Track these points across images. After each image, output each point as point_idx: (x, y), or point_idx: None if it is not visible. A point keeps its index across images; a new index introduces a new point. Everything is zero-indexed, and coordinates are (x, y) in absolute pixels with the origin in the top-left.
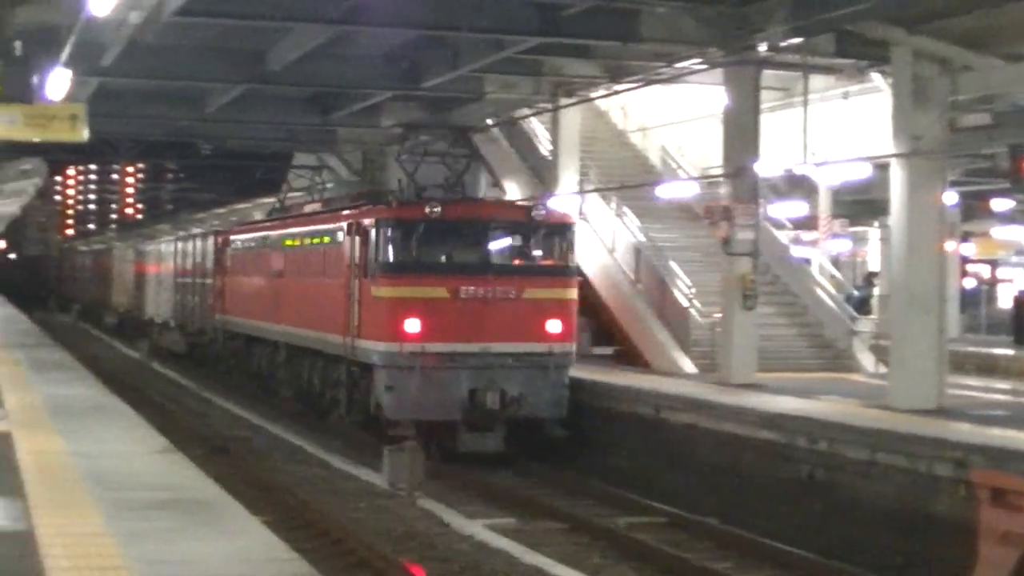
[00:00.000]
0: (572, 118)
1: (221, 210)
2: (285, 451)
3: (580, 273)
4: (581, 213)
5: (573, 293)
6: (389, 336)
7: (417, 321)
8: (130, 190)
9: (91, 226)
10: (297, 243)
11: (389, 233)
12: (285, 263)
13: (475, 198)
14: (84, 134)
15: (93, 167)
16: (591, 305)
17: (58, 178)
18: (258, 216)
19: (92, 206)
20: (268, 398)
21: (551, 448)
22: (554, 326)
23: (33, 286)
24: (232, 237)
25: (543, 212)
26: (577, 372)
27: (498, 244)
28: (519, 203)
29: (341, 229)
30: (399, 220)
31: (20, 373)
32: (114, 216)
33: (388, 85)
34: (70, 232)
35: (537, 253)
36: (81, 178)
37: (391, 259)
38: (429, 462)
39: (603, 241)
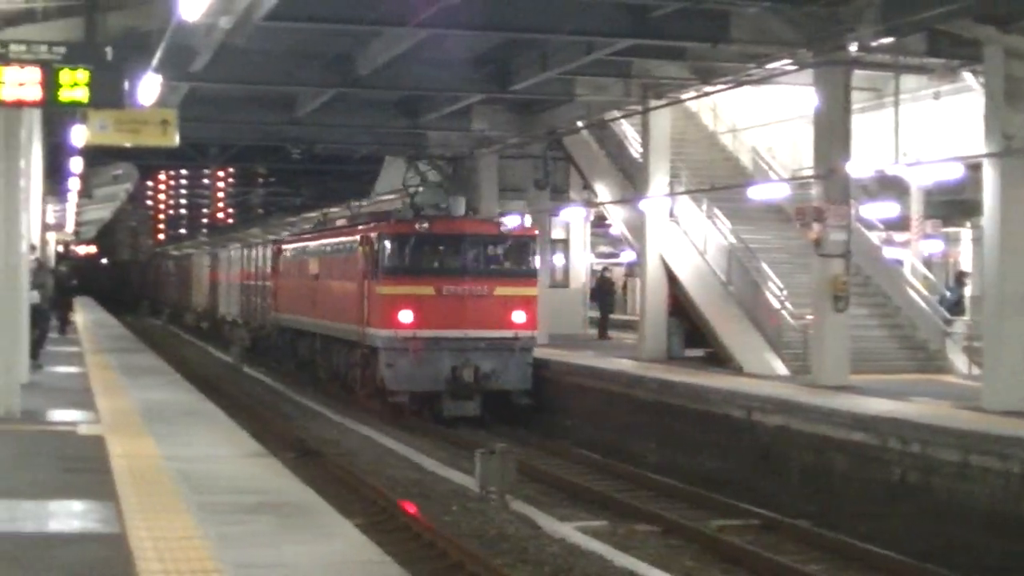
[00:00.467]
0: (662, 120)
1: (311, 214)
2: (376, 453)
3: (536, 275)
4: (672, 215)
5: (534, 290)
6: (388, 324)
7: (410, 312)
8: (221, 194)
9: (182, 230)
10: (328, 252)
11: (388, 244)
12: (319, 268)
13: (456, 216)
14: (175, 139)
15: (184, 171)
16: (682, 307)
17: (149, 183)
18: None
19: (183, 210)
20: (317, 383)
21: (519, 415)
22: (519, 316)
23: (124, 291)
24: (283, 246)
25: (509, 227)
26: (667, 374)
27: (474, 252)
28: (490, 219)
29: (356, 241)
30: (395, 234)
31: (112, 377)
32: (205, 220)
33: (477, 88)
34: (162, 237)
35: (505, 259)
36: (172, 183)
37: (389, 264)
38: (419, 421)
39: (694, 244)
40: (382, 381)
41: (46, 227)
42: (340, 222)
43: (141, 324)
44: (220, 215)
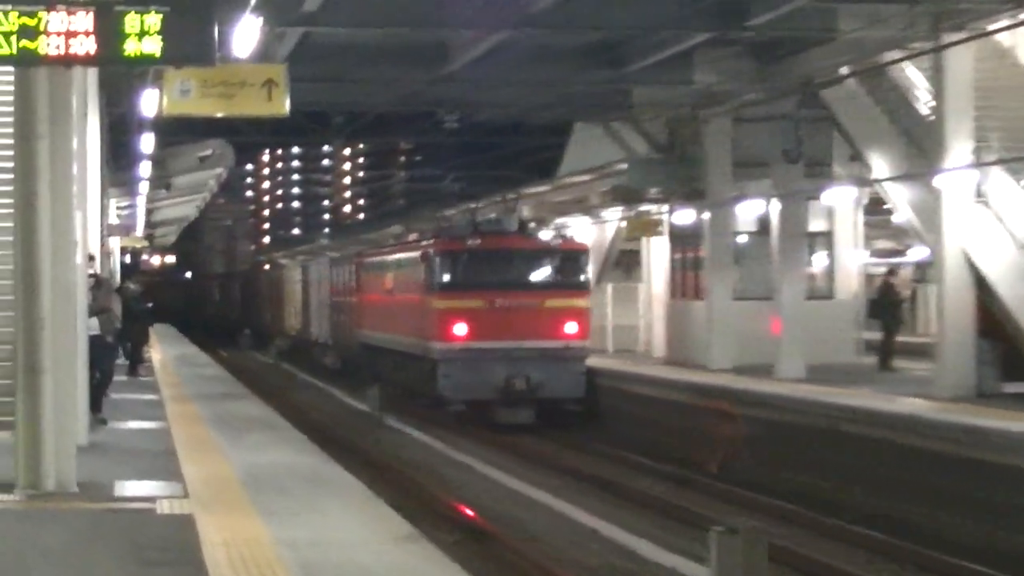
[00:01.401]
0: (962, 62)
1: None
2: (573, 534)
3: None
4: (979, 195)
5: (585, 302)
6: (444, 337)
7: (464, 325)
8: (348, 180)
9: (295, 231)
10: (397, 267)
11: (441, 260)
12: (393, 283)
13: (507, 231)
14: (284, 106)
15: (297, 151)
16: (997, 324)
17: (249, 167)
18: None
19: (296, 203)
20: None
21: (572, 421)
22: (570, 327)
23: (216, 314)
24: (364, 260)
25: (559, 241)
26: (979, 418)
27: (524, 266)
28: (539, 235)
29: (417, 257)
30: (448, 250)
31: (204, 434)
32: (326, 217)
33: (700, 25)
34: (267, 240)
35: (555, 272)
36: (281, 166)
37: (443, 279)
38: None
39: (1013, 234)
40: (440, 390)
41: (109, 231)
42: (412, 236)
43: (242, 360)
44: (347, 208)
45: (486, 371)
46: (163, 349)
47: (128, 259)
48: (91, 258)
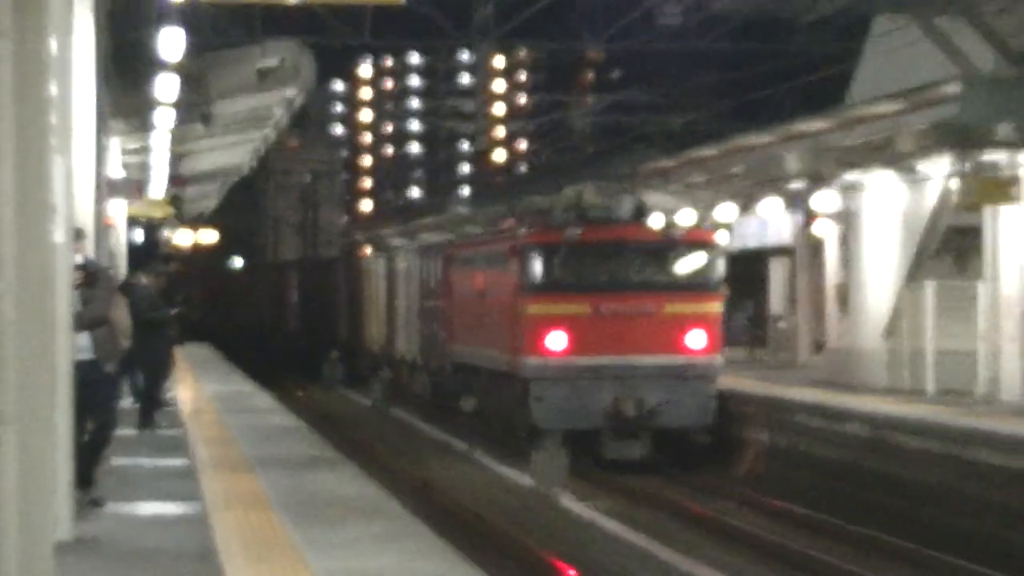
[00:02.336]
0: None
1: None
2: None
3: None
4: None
5: (715, 307)
6: (536, 350)
7: (563, 335)
8: (501, 109)
9: (415, 191)
10: (486, 263)
11: (532, 255)
12: (484, 283)
13: (617, 220)
14: None
15: (417, 61)
16: None
17: (340, 86)
18: None
19: (416, 146)
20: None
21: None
22: (695, 339)
23: (285, 327)
24: (455, 252)
25: (680, 232)
26: None
27: (637, 263)
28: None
29: (506, 251)
30: (541, 243)
31: (266, 524)
32: (467, 168)
33: None
34: (370, 207)
35: (677, 271)
36: (391, 86)
37: (535, 279)
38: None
39: None
40: (531, 417)
41: (109, 189)
42: (508, 223)
43: (330, 402)
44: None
45: (589, 393)
46: (198, 384)
47: (141, 236)
48: (79, 235)
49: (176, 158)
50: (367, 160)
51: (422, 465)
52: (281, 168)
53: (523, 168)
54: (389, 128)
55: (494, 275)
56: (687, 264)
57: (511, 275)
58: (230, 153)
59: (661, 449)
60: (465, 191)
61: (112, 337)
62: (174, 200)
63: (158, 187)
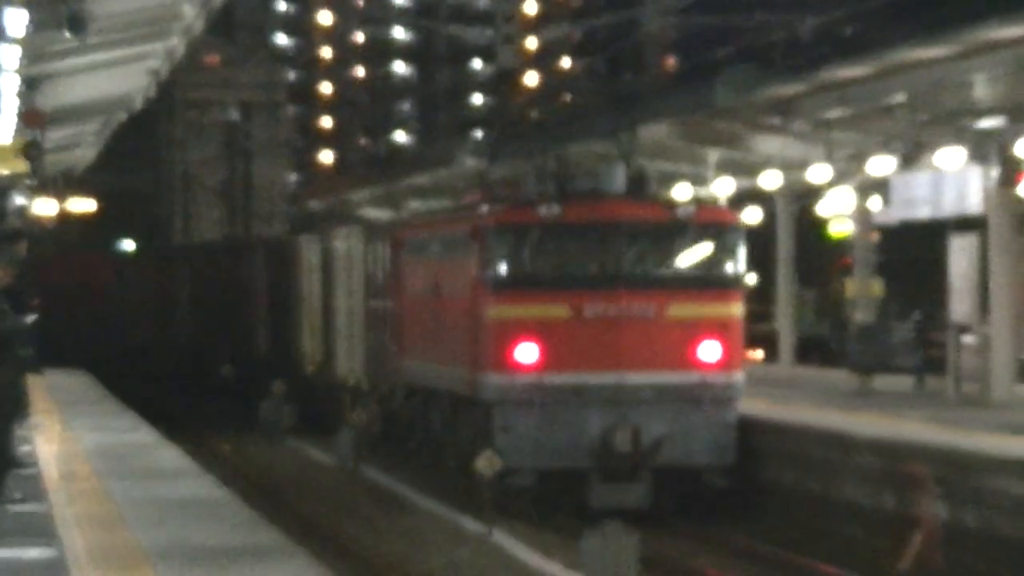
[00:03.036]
0: None
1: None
2: None
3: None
4: None
5: (735, 309)
6: (501, 366)
7: (534, 346)
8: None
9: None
10: (441, 249)
11: (497, 241)
12: (436, 278)
13: (607, 194)
14: None
15: None
16: None
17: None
18: None
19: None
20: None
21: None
22: (709, 351)
23: (201, 343)
24: (406, 235)
25: (692, 211)
26: None
27: (634, 251)
28: (660, 200)
29: (466, 235)
30: (508, 224)
31: None
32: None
33: None
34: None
35: (685, 261)
36: None
37: (500, 272)
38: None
39: None
40: (497, 453)
41: None
42: (472, 197)
43: (275, 460)
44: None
45: (571, 422)
46: (68, 432)
47: None
48: None
49: (31, 84)
50: (327, 87)
51: (416, 554)
52: (194, 99)
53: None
54: (361, 37)
55: (451, 267)
56: (699, 253)
57: (470, 267)
58: (114, 76)
59: (666, 495)
60: (477, 133)
61: None
62: (28, 149)
63: (3, 129)
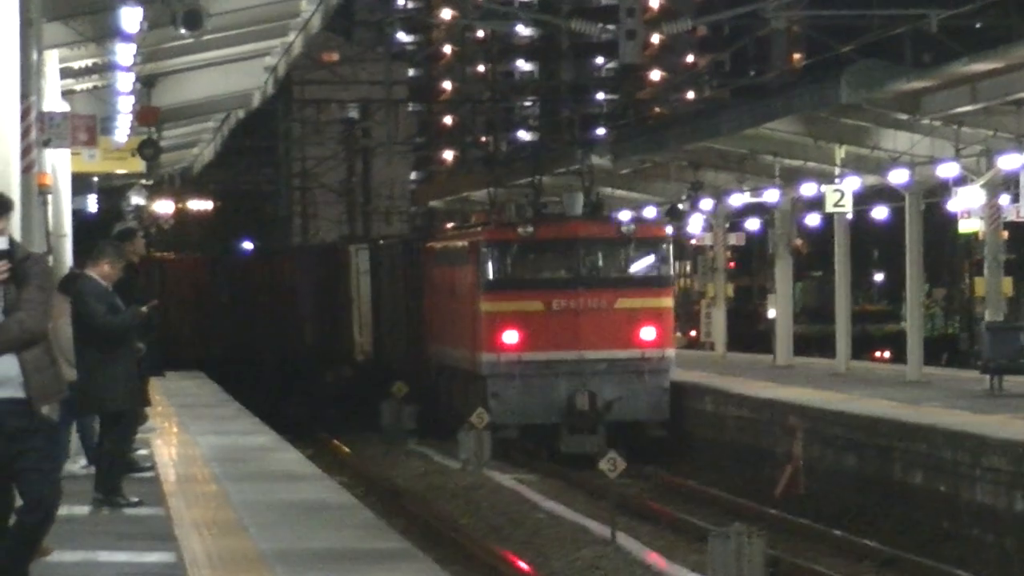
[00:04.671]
0: None
1: None
2: None
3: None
4: None
5: (667, 302)
6: (493, 347)
7: (515, 332)
8: None
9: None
10: (451, 261)
11: (486, 253)
12: (454, 281)
13: (568, 216)
14: None
15: None
16: None
17: None
18: None
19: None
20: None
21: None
22: (647, 333)
23: (324, 345)
24: (433, 244)
25: (633, 228)
26: None
27: (589, 259)
28: (608, 219)
29: (466, 249)
30: (494, 241)
31: None
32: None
33: None
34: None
35: (629, 266)
36: None
37: (489, 277)
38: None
39: None
40: (490, 414)
41: (45, 130)
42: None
43: (397, 464)
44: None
45: (544, 389)
46: (186, 435)
47: (95, 202)
48: (1, 205)
49: (147, 82)
50: (448, 85)
51: (538, 556)
52: (313, 97)
53: (690, 95)
54: (481, 34)
55: (460, 272)
56: (638, 259)
57: (471, 273)
58: (231, 73)
59: (618, 443)
60: (600, 131)
61: (51, 362)
62: (145, 148)
63: (121, 128)
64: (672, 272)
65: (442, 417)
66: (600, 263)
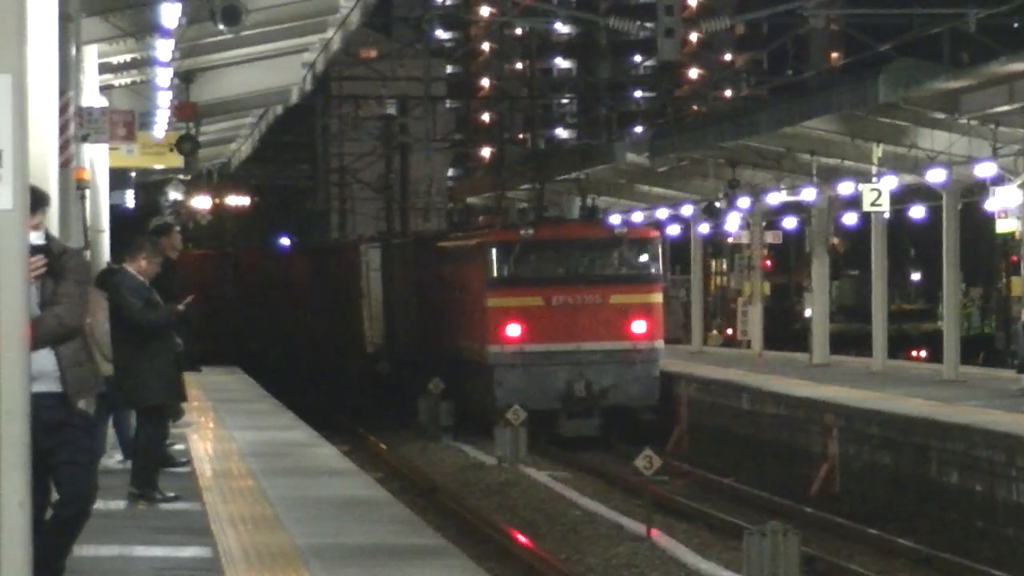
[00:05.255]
0: None
1: None
2: None
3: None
4: None
5: (656, 297)
6: (497, 339)
7: (518, 326)
8: None
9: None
10: (460, 260)
11: (490, 254)
12: (465, 279)
13: (564, 220)
14: None
15: None
16: None
17: None
18: None
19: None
20: None
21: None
22: (638, 326)
23: (367, 344)
24: (443, 247)
25: (625, 229)
26: None
27: (585, 259)
28: (602, 222)
29: (474, 250)
30: (498, 242)
31: None
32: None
33: None
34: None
35: (621, 265)
36: None
37: (494, 275)
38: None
39: None
40: (495, 400)
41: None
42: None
43: (432, 460)
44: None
45: (544, 377)
46: (223, 430)
47: (132, 198)
48: (38, 200)
49: (186, 78)
50: (486, 82)
51: (574, 553)
52: (351, 93)
53: (727, 93)
54: (520, 31)
55: (468, 270)
56: (630, 258)
57: (479, 271)
58: (269, 69)
59: (612, 426)
60: (639, 129)
61: (87, 357)
62: (183, 143)
63: (159, 124)
64: (662, 270)
65: (462, 406)
66: (595, 262)
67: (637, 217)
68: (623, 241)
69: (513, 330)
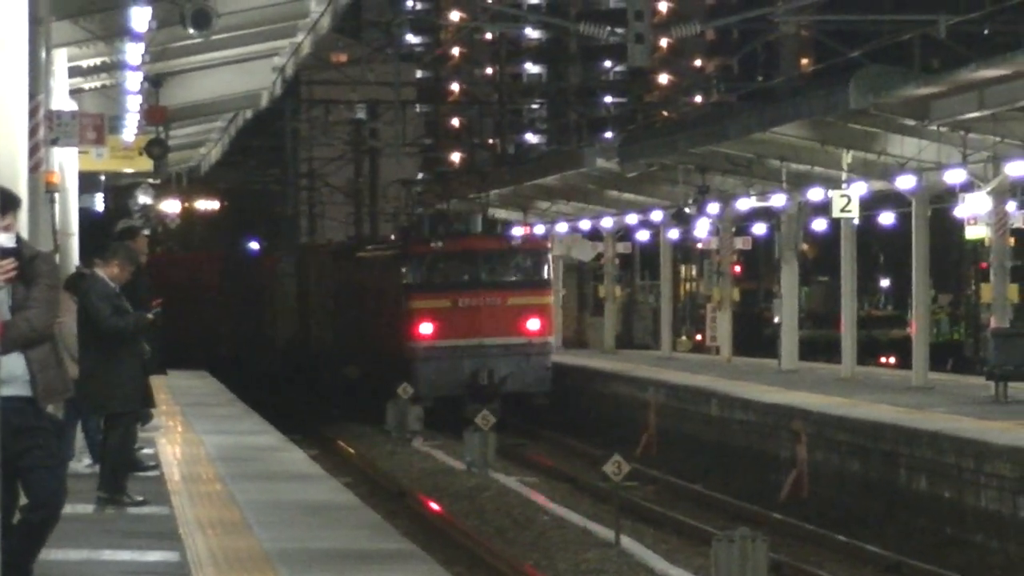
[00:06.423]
0: None
1: None
2: None
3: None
4: None
5: (548, 299)
6: (414, 336)
7: (430, 324)
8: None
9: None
10: (380, 269)
11: (406, 262)
12: (384, 284)
13: (469, 232)
14: None
15: None
16: None
17: None
18: None
19: (532, 67)
20: None
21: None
22: (533, 324)
23: (333, 349)
24: (363, 256)
25: (520, 240)
26: None
27: (486, 266)
28: (500, 234)
29: (393, 259)
30: (412, 253)
31: None
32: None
33: None
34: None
35: (517, 271)
36: None
37: (410, 281)
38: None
39: None
40: (414, 388)
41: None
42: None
43: (400, 463)
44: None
45: (452, 368)
46: (191, 434)
47: (102, 201)
48: (8, 202)
49: (156, 82)
50: (456, 86)
51: (542, 559)
52: (321, 97)
53: (698, 99)
54: (489, 36)
55: (388, 277)
56: (525, 266)
57: (397, 278)
58: (239, 73)
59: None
60: (608, 135)
61: (57, 361)
62: (153, 147)
63: (129, 127)
64: (551, 276)
65: (374, 392)
66: (495, 269)
67: (541, 229)
68: (518, 251)
69: (426, 328)
